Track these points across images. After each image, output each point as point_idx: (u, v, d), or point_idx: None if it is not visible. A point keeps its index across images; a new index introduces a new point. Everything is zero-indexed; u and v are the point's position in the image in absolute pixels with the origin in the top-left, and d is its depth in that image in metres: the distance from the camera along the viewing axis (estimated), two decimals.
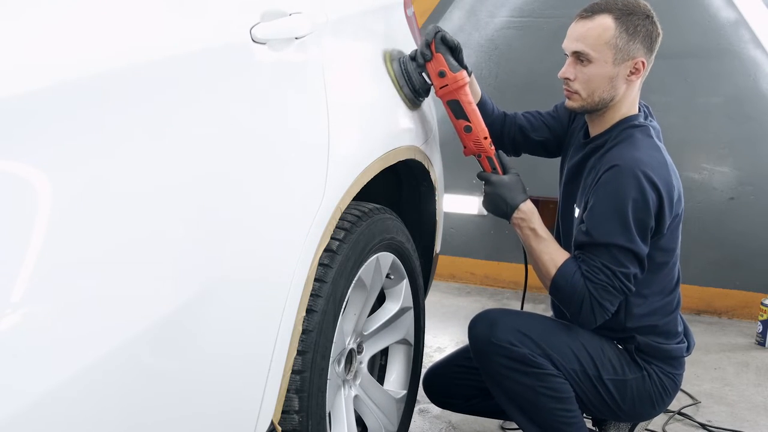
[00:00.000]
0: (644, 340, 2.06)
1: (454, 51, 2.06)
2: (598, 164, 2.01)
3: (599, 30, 1.96)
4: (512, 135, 2.30)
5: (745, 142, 3.75)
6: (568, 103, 2.06)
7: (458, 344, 3.25)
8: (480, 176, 2.14)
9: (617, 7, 1.96)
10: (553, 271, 2.01)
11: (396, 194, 2.28)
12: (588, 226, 1.97)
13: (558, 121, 2.29)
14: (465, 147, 2.13)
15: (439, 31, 2.02)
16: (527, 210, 2.07)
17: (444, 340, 3.36)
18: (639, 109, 2.07)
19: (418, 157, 2.11)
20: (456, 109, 2.07)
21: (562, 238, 2.19)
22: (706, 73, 3.77)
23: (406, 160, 2.04)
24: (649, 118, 2.09)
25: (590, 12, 1.99)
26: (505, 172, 2.13)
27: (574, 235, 2.03)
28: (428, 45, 2.02)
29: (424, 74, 2.06)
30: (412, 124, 2.09)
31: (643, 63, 1.98)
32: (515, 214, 2.08)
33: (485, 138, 2.10)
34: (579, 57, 2.00)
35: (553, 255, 2.03)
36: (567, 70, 2.03)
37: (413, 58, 2.05)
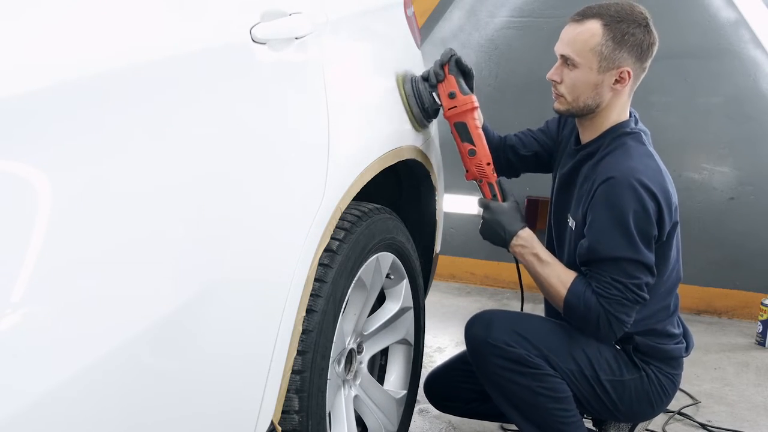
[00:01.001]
0: (642, 341, 2.05)
1: (467, 76, 2.09)
2: (592, 174, 2.00)
3: (586, 36, 1.94)
4: (506, 156, 2.30)
5: (745, 142, 3.75)
6: (556, 106, 2.06)
7: (458, 344, 3.25)
8: (480, 203, 2.15)
9: (608, 14, 1.94)
10: (563, 292, 1.99)
11: (396, 194, 2.28)
12: (592, 241, 1.95)
13: (547, 134, 2.29)
14: (467, 171, 2.14)
15: (454, 55, 2.05)
16: (527, 236, 2.06)
17: (444, 340, 3.35)
18: (630, 114, 2.05)
19: (418, 157, 2.11)
20: (462, 132, 2.09)
21: (556, 245, 2.19)
22: (706, 73, 3.77)
23: (407, 160, 2.04)
24: (639, 123, 2.07)
25: (581, 16, 1.97)
26: (504, 199, 2.13)
27: (578, 251, 2.00)
28: (442, 66, 2.05)
29: (434, 94, 2.07)
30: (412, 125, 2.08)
31: (629, 72, 1.95)
32: (514, 241, 2.07)
33: (488, 164, 2.11)
34: (566, 61, 1.99)
35: (561, 276, 2.01)
36: (554, 72, 2.02)
37: (425, 78, 2.08)
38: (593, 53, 1.94)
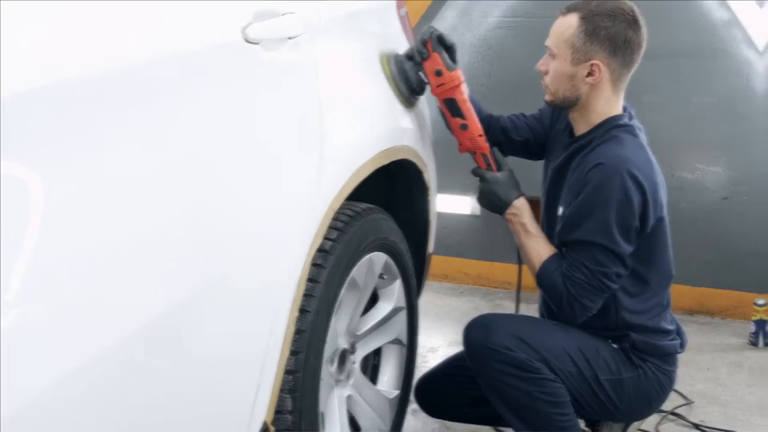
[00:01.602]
0: (639, 338, 2.06)
1: (450, 50, 2.09)
2: (583, 163, 2.00)
3: (563, 28, 1.99)
4: (495, 136, 2.28)
5: (738, 142, 3.75)
6: (545, 97, 2.09)
7: (451, 344, 3.25)
8: (474, 173, 2.17)
9: (588, 8, 1.97)
10: (537, 266, 2.05)
11: (389, 194, 2.28)
12: (570, 222, 1.98)
13: (540, 123, 2.29)
14: (460, 144, 2.16)
15: (434, 31, 2.05)
16: (519, 206, 2.10)
17: (437, 340, 3.35)
18: (624, 110, 2.06)
19: (412, 158, 2.11)
20: (452, 107, 2.10)
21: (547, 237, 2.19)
22: (699, 73, 3.77)
23: (400, 160, 2.04)
24: (634, 119, 2.08)
25: (567, 9, 2.01)
26: (499, 168, 2.15)
27: (557, 230, 2.04)
28: (425, 44, 2.05)
29: (420, 73, 2.08)
30: (405, 124, 2.08)
31: (599, 66, 1.96)
32: (508, 210, 2.11)
33: (480, 135, 2.13)
34: (549, 52, 2.02)
35: (540, 251, 2.05)
36: (541, 62, 2.06)
37: (410, 57, 2.07)
38: (567, 44, 1.97)
